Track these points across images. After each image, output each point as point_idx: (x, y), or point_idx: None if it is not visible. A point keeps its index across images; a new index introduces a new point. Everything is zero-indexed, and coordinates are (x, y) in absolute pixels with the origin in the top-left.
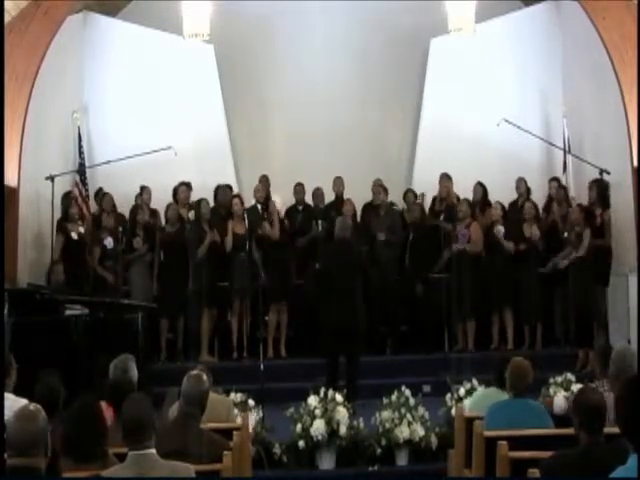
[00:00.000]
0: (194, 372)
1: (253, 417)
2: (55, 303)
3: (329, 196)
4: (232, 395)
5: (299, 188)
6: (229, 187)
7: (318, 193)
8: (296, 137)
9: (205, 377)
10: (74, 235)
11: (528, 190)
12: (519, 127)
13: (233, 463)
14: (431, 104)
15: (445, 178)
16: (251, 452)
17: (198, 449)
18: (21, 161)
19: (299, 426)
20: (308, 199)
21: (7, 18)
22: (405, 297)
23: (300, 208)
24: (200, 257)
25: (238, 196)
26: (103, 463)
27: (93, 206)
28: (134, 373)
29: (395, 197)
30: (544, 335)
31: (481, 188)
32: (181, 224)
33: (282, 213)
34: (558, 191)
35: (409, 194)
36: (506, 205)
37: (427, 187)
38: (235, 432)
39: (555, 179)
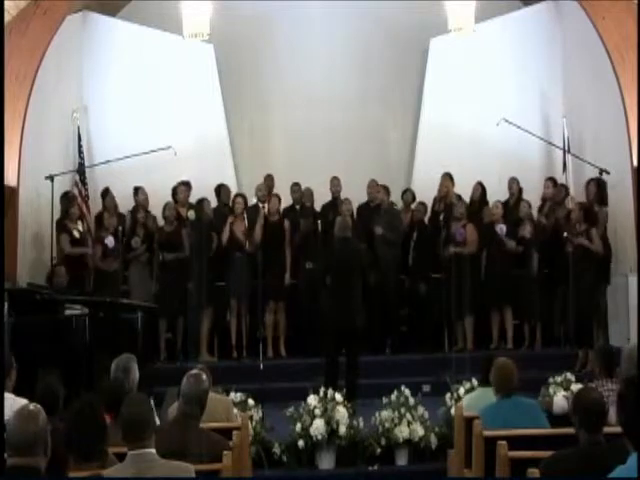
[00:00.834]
0: (194, 372)
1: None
2: (55, 303)
3: (328, 196)
4: (232, 395)
5: (296, 188)
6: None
7: (307, 193)
8: (296, 137)
9: (205, 377)
10: (76, 234)
11: (520, 190)
12: (519, 127)
13: (233, 463)
14: (431, 104)
15: (446, 178)
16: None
17: (198, 449)
18: (21, 161)
19: (299, 426)
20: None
21: (7, 18)
22: (407, 297)
23: (297, 208)
24: (205, 258)
25: (241, 195)
26: (102, 462)
27: (93, 206)
28: (135, 373)
29: (394, 197)
30: (544, 335)
31: (480, 187)
32: (179, 223)
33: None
34: (558, 191)
35: (407, 194)
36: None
37: (426, 187)
38: (235, 432)
39: (550, 179)
